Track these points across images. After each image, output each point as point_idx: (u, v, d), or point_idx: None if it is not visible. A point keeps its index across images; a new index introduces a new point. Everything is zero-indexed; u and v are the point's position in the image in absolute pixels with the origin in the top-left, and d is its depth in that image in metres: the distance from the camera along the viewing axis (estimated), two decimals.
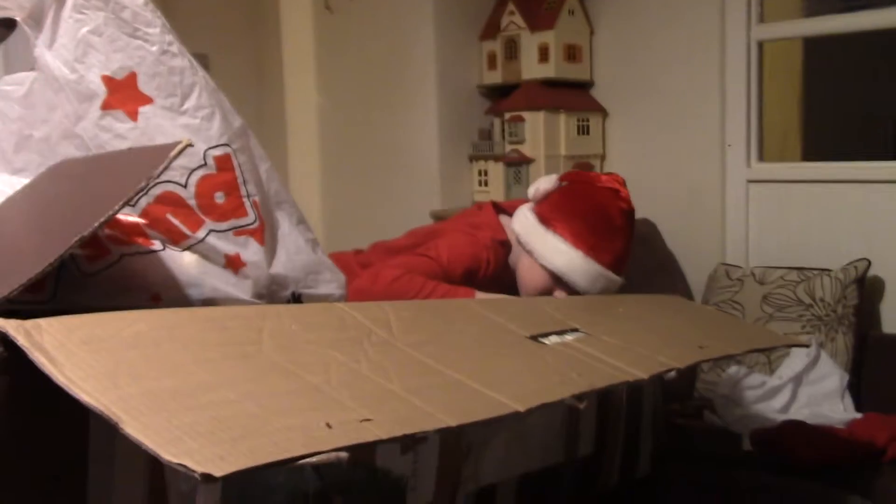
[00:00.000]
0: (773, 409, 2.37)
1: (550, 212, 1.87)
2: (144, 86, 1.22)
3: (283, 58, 3.53)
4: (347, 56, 3.35)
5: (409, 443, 1.12)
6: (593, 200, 1.87)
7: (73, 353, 0.82)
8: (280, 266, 1.31)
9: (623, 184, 1.92)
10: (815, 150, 3.27)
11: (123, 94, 1.22)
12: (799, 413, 2.33)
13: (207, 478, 0.62)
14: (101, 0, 1.20)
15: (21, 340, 0.82)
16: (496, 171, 3.13)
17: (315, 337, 1.01)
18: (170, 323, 0.95)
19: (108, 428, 0.78)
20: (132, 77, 1.22)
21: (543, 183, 1.93)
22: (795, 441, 2.09)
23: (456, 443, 1.25)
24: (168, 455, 0.65)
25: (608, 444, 1.63)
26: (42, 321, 0.88)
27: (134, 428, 0.68)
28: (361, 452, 0.82)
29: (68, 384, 0.75)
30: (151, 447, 0.66)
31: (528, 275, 1.89)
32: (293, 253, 1.35)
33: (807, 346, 2.42)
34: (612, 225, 1.86)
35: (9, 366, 0.86)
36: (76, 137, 1.25)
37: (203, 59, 1.32)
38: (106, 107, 1.22)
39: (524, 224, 1.90)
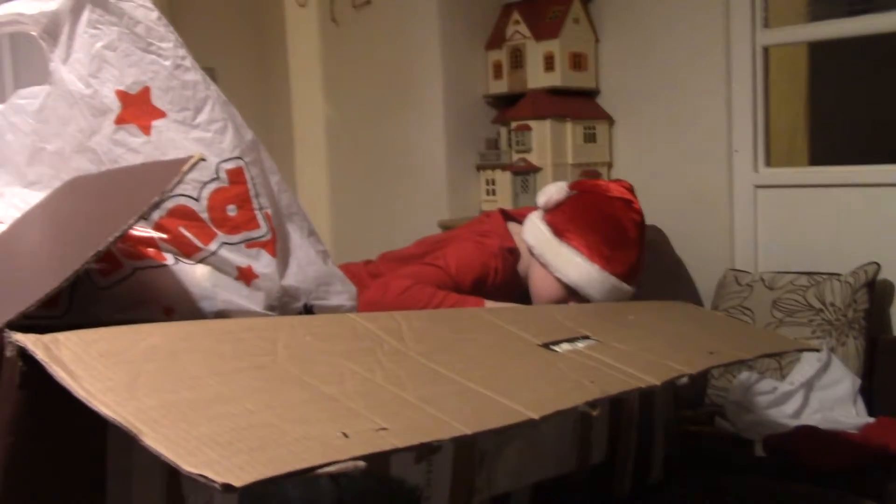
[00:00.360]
0: (785, 414, 2.36)
1: (564, 223, 1.88)
2: (158, 100, 1.23)
3: (290, 70, 3.56)
4: (354, 68, 3.37)
5: (424, 452, 1.13)
6: (607, 212, 1.87)
7: (92, 366, 0.83)
8: (292, 278, 1.31)
9: (632, 191, 1.92)
10: (822, 154, 3.27)
11: (137, 108, 1.23)
12: (811, 418, 2.33)
13: (228, 488, 0.62)
14: (116, 15, 1.22)
15: (40, 355, 0.82)
16: (503, 180, 3.14)
17: (328, 347, 1.02)
18: (185, 335, 0.96)
19: (126, 441, 0.79)
20: (146, 91, 1.23)
21: (554, 192, 1.93)
22: (808, 446, 2.08)
23: (469, 452, 1.25)
24: (188, 466, 0.65)
25: (620, 451, 1.63)
26: (60, 335, 0.89)
27: (154, 440, 0.69)
28: (376, 463, 0.82)
29: (88, 397, 0.76)
30: (171, 458, 0.66)
31: (541, 285, 1.90)
32: (305, 265, 1.36)
33: (818, 350, 2.42)
34: (626, 237, 1.86)
35: (28, 380, 0.87)
36: (90, 151, 1.26)
37: (210, 73, 1.33)
38: (120, 121, 1.23)
39: (537, 235, 1.91)
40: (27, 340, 0.85)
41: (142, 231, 1.20)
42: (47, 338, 0.88)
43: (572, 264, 1.84)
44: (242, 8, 3.54)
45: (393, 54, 3.25)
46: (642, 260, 1.91)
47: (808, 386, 2.41)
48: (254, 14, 3.58)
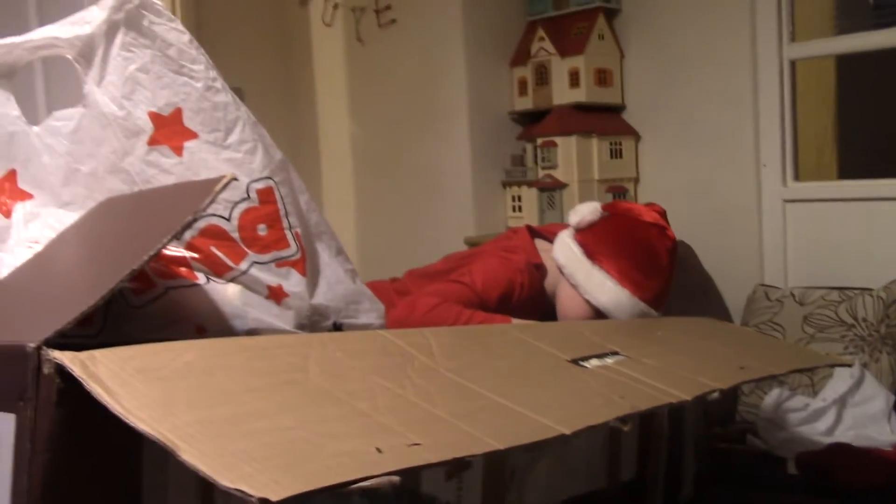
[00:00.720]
0: (818, 431, 2.33)
1: (596, 245, 1.88)
2: (189, 121, 1.25)
3: (316, 89, 3.59)
4: (379, 86, 3.40)
5: (454, 469, 1.13)
6: (640, 237, 1.88)
7: (128, 383, 0.84)
8: (321, 296, 1.32)
9: (665, 217, 1.93)
10: (851, 167, 3.25)
11: (169, 129, 1.25)
12: (844, 435, 2.30)
13: (265, 502, 0.63)
14: (149, 38, 1.24)
15: (77, 371, 0.84)
16: (529, 196, 3.15)
17: (360, 364, 1.03)
18: (218, 352, 0.97)
19: (162, 457, 0.80)
20: (178, 113, 1.25)
21: (587, 212, 1.93)
22: (841, 464, 2.05)
23: (500, 469, 1.25)
24: (225, 481, 0.66)
25: (651, 468, 1.62)
26: (97, 352, 0.90)
27: (191, 455, 0.69)
28: (406, 479, 0.82)
29: (125, 413, 0.77)
30: (208, 473, 0.67)
31: (569, 304, 1.90)
32: (333, 283, 1.37)
33: (849, 365, 2.39)
34: (657, 264, 1.86)
35: (64, 397, 0.88)
36: (123, 172, 1.28)
37: (238, 93, 1.35)
38: (152, 142, 1.25)
39: (568, 255, 1.91)
40: (64, 357, 0.86)
41: (174, 251, 1.22)
42: (84, 355, 0.89)
43: (603, 287, 1.84)
44: (269, 28, 3.58)
45: (418, 72, 3.28)
46: (671, 286, 1.91)
47: (841, 403, 2.38)
48: (280, 34, 3.62)
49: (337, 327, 1.35)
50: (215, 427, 0.77)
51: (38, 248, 1.26)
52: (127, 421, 0.76)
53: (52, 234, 1.28)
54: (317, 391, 0.90)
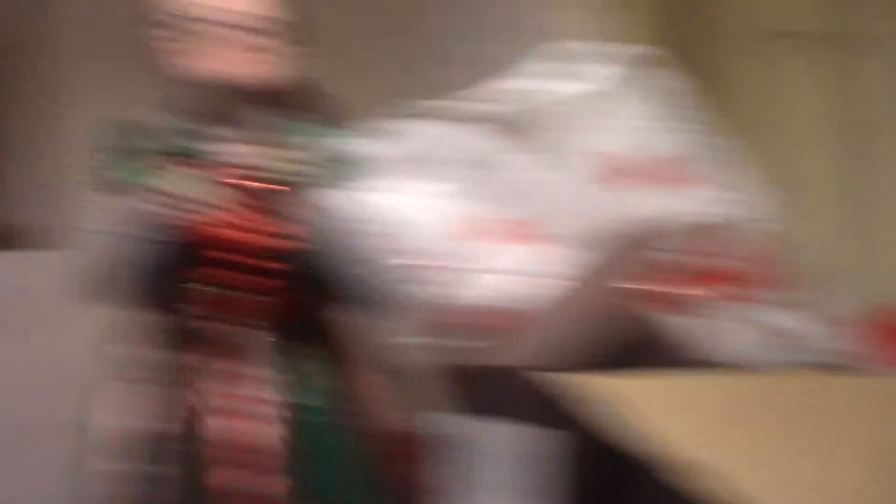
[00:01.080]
0: None
1: None
2: (681, 166, 1.30)
3: (785, 129, 3.48)
4: (846, 115, 3.20)
5: None
6: None
7: (653, 409, 0.88)
8: (822, 340, 1.29)
9: None
10: None
11: (663, 172, 1.31)
12: None
13: None
14: (648, 89, 1.31)
15: (595, 396, 0.90)
16: None
17: (873, 413, 0.97)
18: (734, 387, 0.99)
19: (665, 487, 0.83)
20: (670, 157, 1.30)
21: None
22: None
23: None
24: None
25: None
26: (609, 380, 0.95)
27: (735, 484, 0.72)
28: None
29: (655, 440, 0.81)
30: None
31: None
32: (828, 324, 1.32)
33: None
34: None
35: (578, 422, 0.95)
36: (602, 212, 1.34)
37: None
38: (649, 186, 1.32)
39: None
40: (580, 382, 0.93)
41: (668, 287, 1.27)
42: (597, 381, 0.95)
43: None
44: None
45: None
46: None
47: None
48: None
49: (835, 368, 1.30)
50: (746, 462, 0.78)
51: (542, 281, 1.37)
52: (655, 448, 0.80)
53: (553, 271, 1.39)
54: (845, 439, 0.88)
